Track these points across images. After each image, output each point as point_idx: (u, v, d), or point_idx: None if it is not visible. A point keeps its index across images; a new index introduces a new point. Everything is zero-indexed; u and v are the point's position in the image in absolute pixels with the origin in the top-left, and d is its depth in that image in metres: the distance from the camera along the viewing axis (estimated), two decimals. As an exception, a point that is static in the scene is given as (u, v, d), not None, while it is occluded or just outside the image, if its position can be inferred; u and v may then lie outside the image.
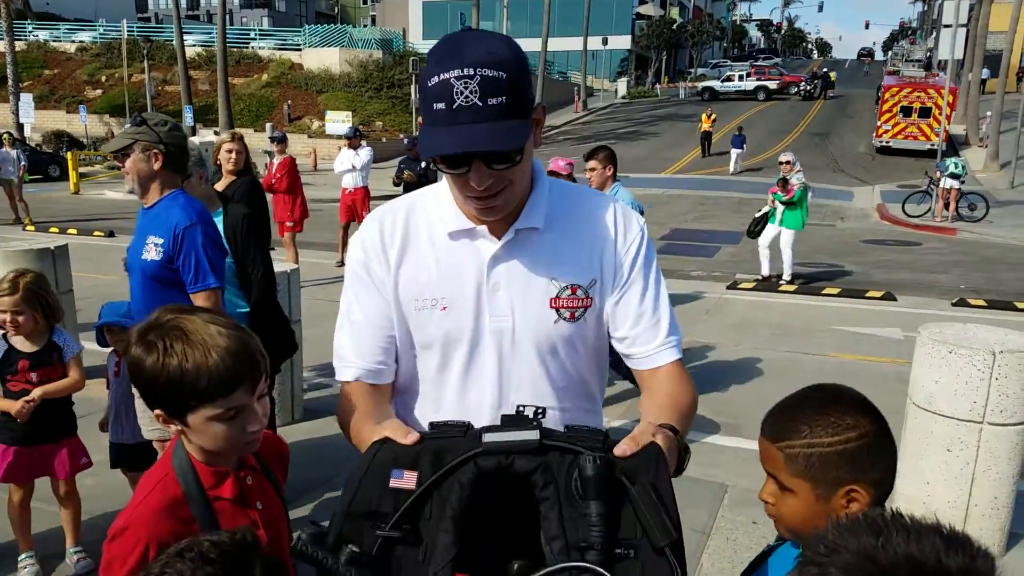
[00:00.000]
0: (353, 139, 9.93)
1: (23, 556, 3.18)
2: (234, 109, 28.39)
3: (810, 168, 23.25)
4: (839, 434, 1.15)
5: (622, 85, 47.90)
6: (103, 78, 33.98)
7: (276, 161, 8.98)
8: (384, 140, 27.23)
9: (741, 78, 42.00)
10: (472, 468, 1.06)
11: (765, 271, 9.53)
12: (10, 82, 25.09)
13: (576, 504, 1.04)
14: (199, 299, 2.75)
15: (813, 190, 9.78)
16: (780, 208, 9.21)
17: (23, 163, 14.49)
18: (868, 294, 8.94)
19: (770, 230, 9.37)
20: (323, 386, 5.39)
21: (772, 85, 40.95)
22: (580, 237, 1.44)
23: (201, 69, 33.23)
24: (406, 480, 1.07)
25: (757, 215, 9.57)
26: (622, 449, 1.10)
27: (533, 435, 1.05)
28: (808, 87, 40.89)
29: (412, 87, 26.35)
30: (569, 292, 1.41)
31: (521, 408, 1.15)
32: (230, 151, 5.28)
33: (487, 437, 1.06)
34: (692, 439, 4.56)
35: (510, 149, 1.25)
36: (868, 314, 8.11)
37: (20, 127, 23.79)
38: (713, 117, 26.50)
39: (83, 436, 3.29)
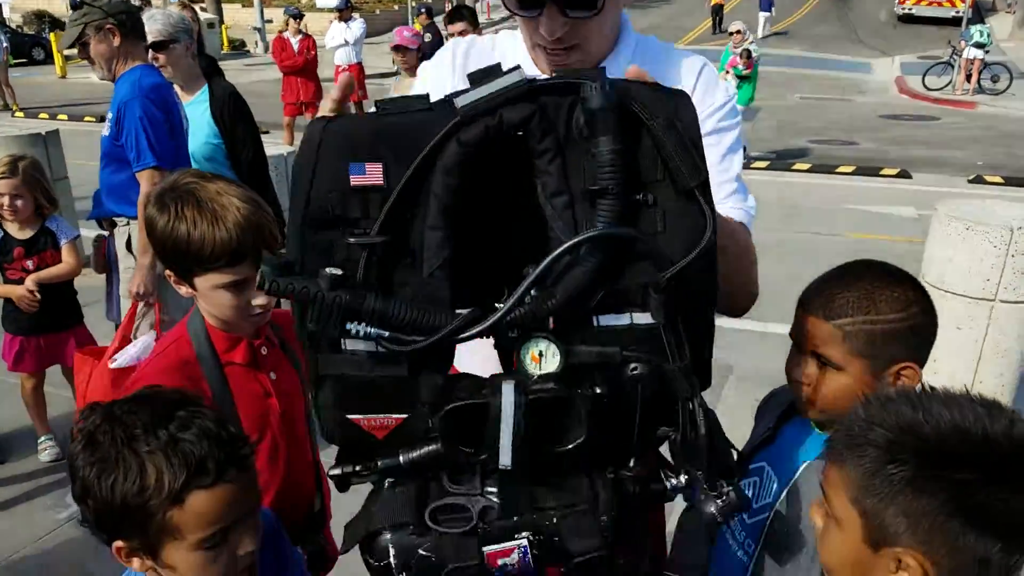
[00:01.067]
0: (344, 11, 9.41)
1: (42, 439, 3.27)
2: (221, -18, 26.92)
3: (828, 38, 22.46)
4: (904, 309, 1.10)
5: (631, -50, 45.00)
6: (81, -49, 32.12)
7: (295, 40, 8.57)
8: (378, 12, 25.95)
9: (758, -60, 39.40)
10: (456, 148, 0.83)
11: None
12: (-17, -43, 23.75)
13: (580, 146, 0.84)
14: (142, 179, 2.65)
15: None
16: (734, 83, 8.76)
17: (5, 45, 13.91)
18: (882, 172, 8.72)
19: None
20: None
21: (791, -52, 38.43)
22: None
23: (184, -61, 31.30)
24: (370, 175, 0.84)
25: None
26: (636, 71, 0.89)
27: (517, 76, 0.82)
28: (830, -51, 38.41)
29: (408, -45, 24.74)
30: None
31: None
32: None
33: (460, 100, 0.83)
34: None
35: None
36: (882, 192, 7.94)
37: (-2, 7, 22.72)
38: None
39: (89, 325, 3.29)
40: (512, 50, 1.25)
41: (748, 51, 8.64)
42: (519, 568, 0.88)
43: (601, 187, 0.83)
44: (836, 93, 15.67)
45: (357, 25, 9.47)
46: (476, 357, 0.92)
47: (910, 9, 24.34)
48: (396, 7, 27.06)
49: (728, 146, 1.25)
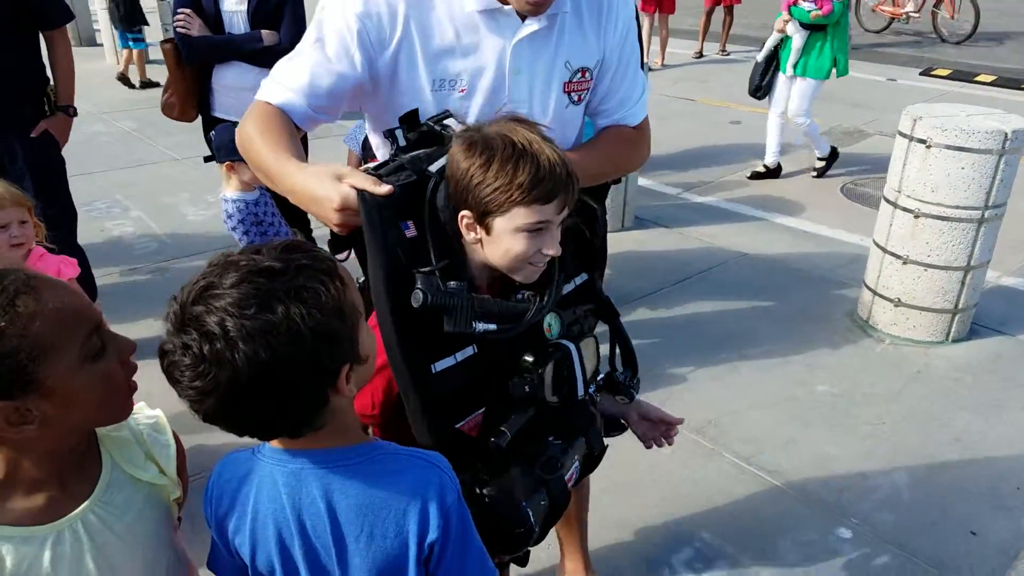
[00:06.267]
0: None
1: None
2: None
3: None
4: None
5: None
6: None
7: None
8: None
9: None
10: (443, 190, 1.20)
11: (772, 156, 5.41)
12: None
13: None
14: None
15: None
16: (799, 37, 5.01)
17: None
18: None
19: (783, 83, 5.23)
20: (656, 195, 5.19)
21: None
22: (588, 16, 1.47)
23: None
24: (412, 229, 1.16)
25: (759, 56, 5.33)
26: None
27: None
28: None
29: None
30: (580, 76, 1.48)
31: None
32: None
33: (432, 167, 1.20)
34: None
35: None
36: None
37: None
38: None
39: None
40: None
41: None
42: (575, 483, 1.33)
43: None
44: None
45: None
46: None
47: None
48: None
49: (638, 61, 1.60)
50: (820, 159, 5.46)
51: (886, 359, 3.27)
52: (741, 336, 3.40)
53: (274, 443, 0.96)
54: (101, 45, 9.44)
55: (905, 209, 3.27)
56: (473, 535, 0.99)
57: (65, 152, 3.11)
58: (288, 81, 1.39)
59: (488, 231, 1.17)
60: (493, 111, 1.40)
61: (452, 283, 1.11)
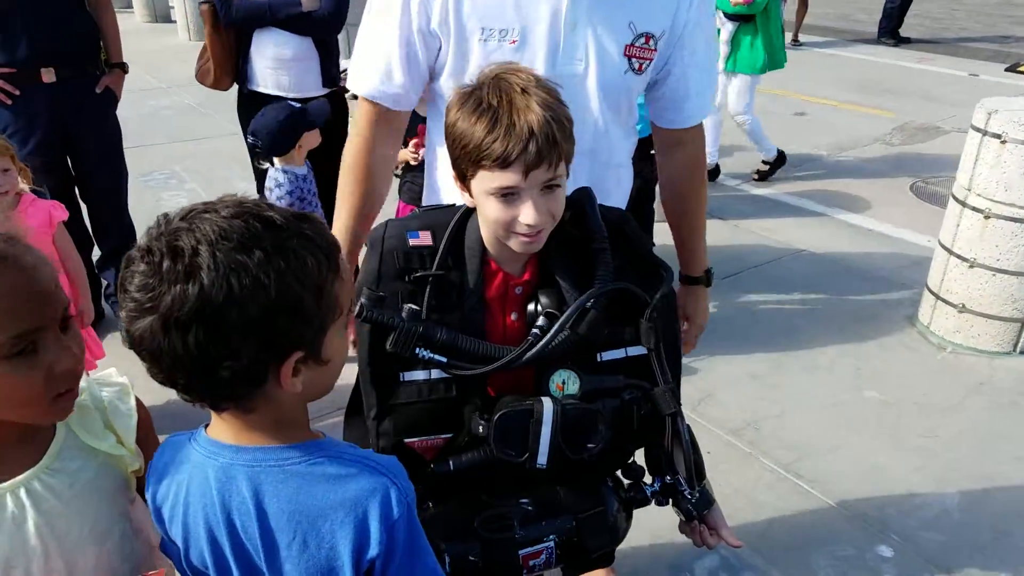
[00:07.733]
0: None
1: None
2: None
3: None
4: None
5: None
6: None
7: None
8: None
9: None
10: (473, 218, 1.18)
11: (710, 154, 4.72)
12: None
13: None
14: None
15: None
16: (728, 28, 4.61)
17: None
18: None
19: (720, 79, 4.76)
20: (712, 184, 5.00)
21: None
22: None
23: None
24: (423, 239, 1.13)
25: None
26: None
27: None
28: None
29: None
30: (643, 41, 1.33)
31: None
32: None
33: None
34: None
35: None
36: None
37: None
38: None
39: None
40: None
41: None
42: (543, 565, 1.13)
43: (596, 248, 1.15)
44: None
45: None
46: None
47: None
48: None
49: (713, 47, 1.47)
50: (765, 162, 5.03)
51: (945, 368, 3.07)
52: (789, 335, 3.24)
53: (209, 432, 0.89)
54: (175, 22, 9.68)
55: (975, 209, 3.05)
56: (423, 551, 0.89)
57: (128, 125, 3.17)
58: (369, 62, 1.37)
59: (472, 195, 1.11)
60: (553, 69, 1.28)
61: (408, 306, 1.06)
